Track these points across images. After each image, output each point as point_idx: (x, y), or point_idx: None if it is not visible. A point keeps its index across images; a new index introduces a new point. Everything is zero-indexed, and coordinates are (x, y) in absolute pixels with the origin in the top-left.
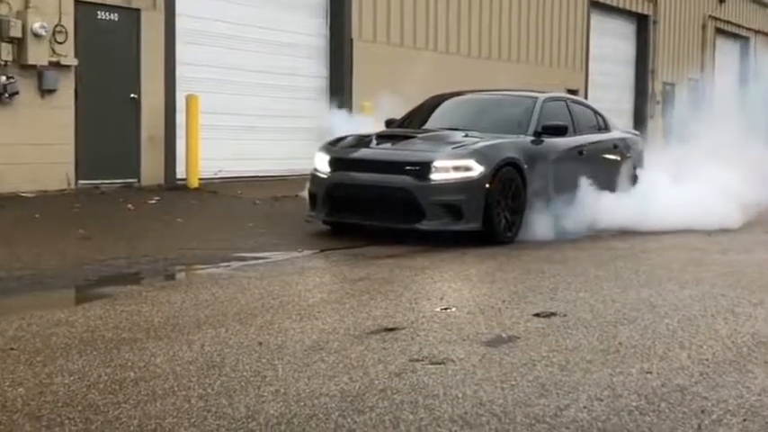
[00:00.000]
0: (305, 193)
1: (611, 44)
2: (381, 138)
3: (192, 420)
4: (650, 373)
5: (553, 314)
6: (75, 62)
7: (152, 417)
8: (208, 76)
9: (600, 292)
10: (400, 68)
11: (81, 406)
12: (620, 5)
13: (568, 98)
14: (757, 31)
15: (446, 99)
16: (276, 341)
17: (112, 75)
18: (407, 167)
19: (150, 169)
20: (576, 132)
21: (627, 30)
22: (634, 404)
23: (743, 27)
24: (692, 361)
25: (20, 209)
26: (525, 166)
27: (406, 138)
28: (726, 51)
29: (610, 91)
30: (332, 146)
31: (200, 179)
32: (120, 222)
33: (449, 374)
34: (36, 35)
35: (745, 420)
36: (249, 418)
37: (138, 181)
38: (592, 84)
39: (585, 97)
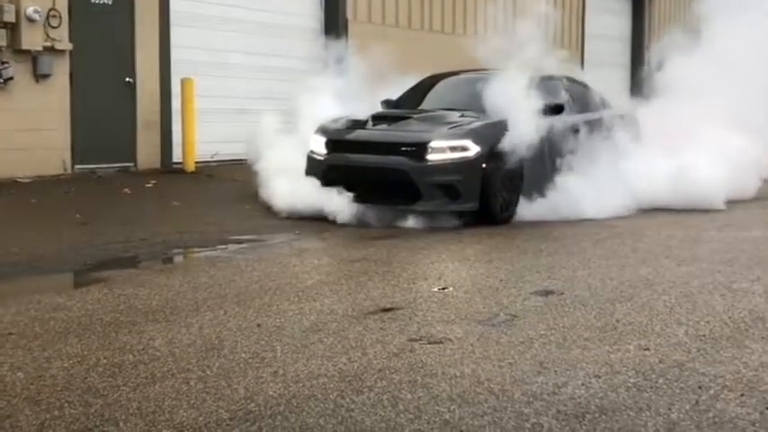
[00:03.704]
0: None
1: (607, 22)
2: (377, 119)
3: (192, 402)
4: (648, 349)
5: (550, 292)
6: (69, 47)
7: (151, 399)
8: (203, 59)
9: (597, 269)
10: (396, 49)
11: (80, 389)
12: None
13: (564, 77)
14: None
15: (442, 79)
16: (274, 323)
17: (107, 59)
18: (404, 148)
19: (146, 153)
20: (572, 111)
21: (622, 7)
22: (632, 381)
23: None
24: (689, 337)
25: (16, 194)
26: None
27: (403, 118)
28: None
29: (605, 69)
30: (328, 127)
31: (197, 162)
32: (116, 206)
33: (447, 354)
34: (30, 20)
35: (742, 395)
36: (248, 400)
37: (135, 165)
38: (587, 62)
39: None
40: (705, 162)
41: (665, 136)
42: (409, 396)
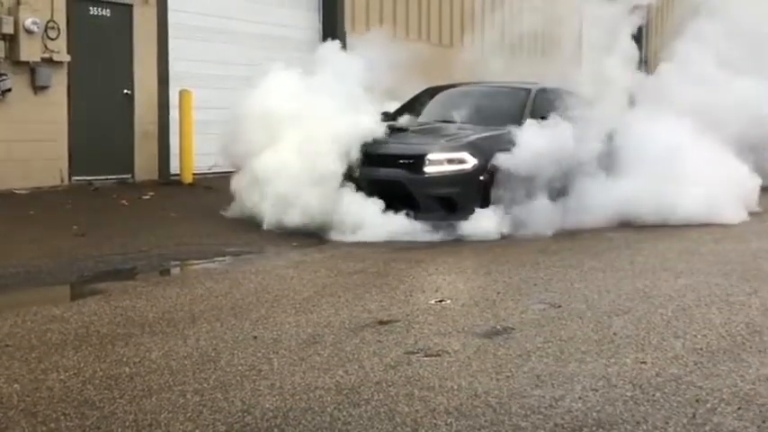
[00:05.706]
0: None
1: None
2: None
3: (188, 415)
4: (645, 363)
5: (548, 305)
6: (67, 58)
7: (147, 412)
8: (201, 71)
9: (594, 282)
10: (394, 61)
11: (76, 402)
12: None
13: (562, 88)
14: None
15: (440, 91)
16: (271, 335)
17: (105, 71)
18: (401, 161)
19: (144, 165)
20: (569, 122)
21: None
22: (629, 394)
23: None
24: (686, 350)
25: (14, 206)
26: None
27: (400, 131)
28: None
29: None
30: None
31: (194, 174)
32: (114, 218)
33: (444, 366)
34: (28, 31)
35: (739, 409)
36: (245, 412)
37: (132, 177)
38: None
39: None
40: (713, 177)
41: (666, 147)
42: (406, 409)
